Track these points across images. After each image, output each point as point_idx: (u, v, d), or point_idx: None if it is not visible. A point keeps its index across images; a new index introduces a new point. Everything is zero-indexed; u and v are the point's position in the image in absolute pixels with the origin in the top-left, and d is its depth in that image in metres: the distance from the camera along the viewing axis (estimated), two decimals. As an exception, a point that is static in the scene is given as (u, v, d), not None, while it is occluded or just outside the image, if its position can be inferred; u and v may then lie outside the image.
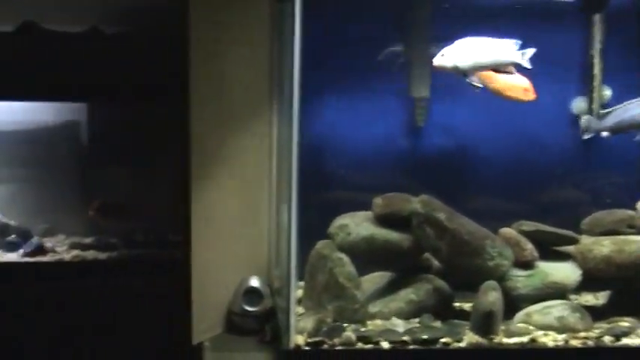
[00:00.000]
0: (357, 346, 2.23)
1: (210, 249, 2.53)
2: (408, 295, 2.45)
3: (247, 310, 2.54)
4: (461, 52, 2.31)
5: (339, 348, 2.22)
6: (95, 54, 2.72)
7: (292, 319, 2.20)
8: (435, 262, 2.53)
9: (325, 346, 2.22)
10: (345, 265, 2.39)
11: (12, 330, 2.60)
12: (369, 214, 2.51)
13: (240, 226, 2.59)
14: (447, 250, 2.39)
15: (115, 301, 2.62)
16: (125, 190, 2.91)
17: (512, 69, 2.32)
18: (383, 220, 2.46)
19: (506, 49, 2.29)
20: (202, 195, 2.48)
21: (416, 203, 2.43)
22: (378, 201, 2.49)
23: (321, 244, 2.47)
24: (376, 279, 2.57)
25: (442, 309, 2.45)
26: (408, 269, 2.52)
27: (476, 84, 2.34)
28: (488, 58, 2.31)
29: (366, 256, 2.44)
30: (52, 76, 2.67)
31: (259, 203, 2.59)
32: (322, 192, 2.65)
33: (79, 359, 2.64)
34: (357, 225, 2.46)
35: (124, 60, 2.68)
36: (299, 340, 2.23)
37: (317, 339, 2.24)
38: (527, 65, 2.28)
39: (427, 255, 2.52)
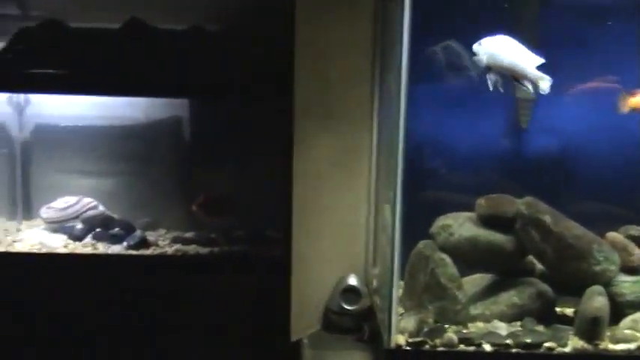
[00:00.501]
0: (458, 348, 2.24)
1: (310, 247, 2.59)
2: (510, 298, 2.45)
3: (345, 309, 2.57)
4: (491, 47, 2.31)
5: (441, 349, 2.24)
6: (198, 51, 2.75)
7: (394, 319, 2.23)
8: (539, 265, 2.52)
9: (426, 347, 2.25)
10: (448, 265, 2.41)
11: (114, 320, 2.66)
12: (471, 214, 2.51)
13: (338, 225, 2.63)
14: (552, 254, 2.38)
15: (215, 296, 2.66)
16: (226, 186, 2.93)
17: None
18: (486, 222, 2.47)
19: (530, 63, 2.29)
20: (303, 193, 2.54)
21: (520, 205, 2.43)
22: (481, 202, 2.50)
23: (422, 244, 2.49)
24: (477, 281, 2.57)
25: (545, 313, 2.44)
26: (509, 272, 2.52)
27: (491, 82, 2.33)
28: (509, 63, 2.31)
29: (469, 257, 2.45)
30: (156, 73, 2.72)
31: (358, 202, 2.62)
32: (423, 191, 2.66)
33: (176, 353, 2.68)
34: (460, 226, 2.47)
35: (226, 58, 2.71)
36: (400, 339, 2.25)
37: (418, 339, 2.27)
38: (544, 88, 2.29)
39: (530, 258, 2.51)
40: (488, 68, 2.30)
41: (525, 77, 2.30)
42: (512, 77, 2.32)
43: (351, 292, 2.56)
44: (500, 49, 2.30)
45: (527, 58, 2.30)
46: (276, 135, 2.55)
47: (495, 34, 2.31)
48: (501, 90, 2.32)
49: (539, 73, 2.29)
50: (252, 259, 2.71)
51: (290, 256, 2.52)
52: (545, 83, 2.29)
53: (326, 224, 2.58)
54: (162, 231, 2.97)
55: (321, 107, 2.52)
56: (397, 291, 2.25)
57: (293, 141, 2.43)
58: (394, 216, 2.19)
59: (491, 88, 2.31)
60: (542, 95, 2.39)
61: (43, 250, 2.75)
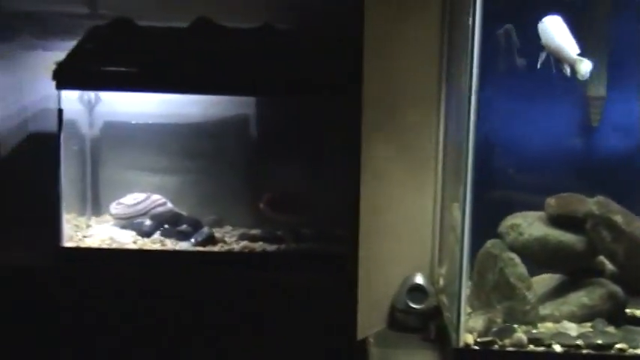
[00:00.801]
0: (528, 349, 2.23)
1: (377, 244, 2.58)
2: (579, 298, 2.43)
3: (411, 308, 2.56)
4: (545, 26, 2.32)
5: (510, 349, 2.23)
6: (266, 50, 2.81)
7: (462, 318, 2.23)
8: (609, 266, 2.49)
9: (495, 347, 2.23)
10: (517, 265, 2.39)
11: (182, 315, 2.71)
12: (541, 214, 2.49)
13: (405, 223, 2.61)
14: (624, 254, 2.35)
15: (281, 293, 2.68)
16: (293, 183, 2.96)
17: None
18: (556, 221, 2.44)
19: (571, 47, 2.30)
20: (370, 190, 2.54)
21: (591, 204, 2.40)
22: (551, 201, 2.47)
23: (490, 244, 2.46)
24: (545, 280, 2.55)
25: (615, 314, 2.41)
26: (579, 272, 2.50)
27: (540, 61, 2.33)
28: (555, 43, 2.31)
29: (538, 257, 2.43)
30: (223, 71, 2.78)
31: (424, 200, 2.61)
32: (491, 190, 2.62)
33: (241, 350, 2.72)
34: (530, 225, 2.45)
35: (294, 56, 2.77)
36: (468, 339, 2.24)
37: (487, 339, 2.25)
38: (582, 73, 2.30)
39: (601, 258, 2.49)
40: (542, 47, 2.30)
41: (566, 59, 2.31)
42: (556, 59, 2.33)
43: (417, 291, 2.56)
44: (551, 30, 2.31)
45: (570, 44, 2.30)
46: (344, 133, 2.58)
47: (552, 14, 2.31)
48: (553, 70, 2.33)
49: (580, 58, 2.30)
50: (318, 257, 2.75)
51: (357, 254, 2.52)
52: (585, 66, 2.30)
53: (392, 222, 2.56)
54: (228, 228, 3.00)
55: (387, 105, 2.50)
56: (466, 290, 2.25)
57: (361, 139, 2.45)
58: (463, 214, 2.19)
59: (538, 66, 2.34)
60: (614, 93, 2.43)
61: (113, 246, 2.81)
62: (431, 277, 2.64)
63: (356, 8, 2.38)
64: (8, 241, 2.82)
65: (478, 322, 2.30)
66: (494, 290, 2.42)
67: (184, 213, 2.98)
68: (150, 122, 3.01)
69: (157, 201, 2.97)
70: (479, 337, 2.25)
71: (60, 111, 2.72)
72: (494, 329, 2.30)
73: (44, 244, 2.74)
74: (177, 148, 3.02)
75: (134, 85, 2.74)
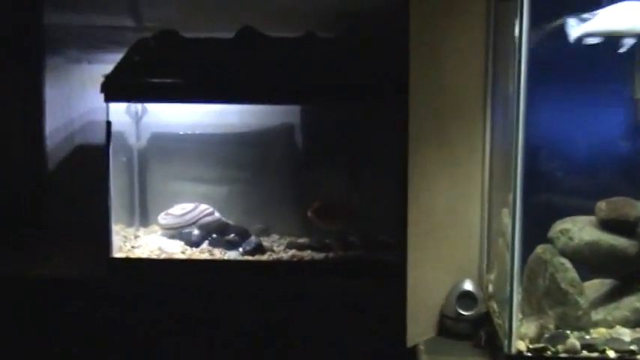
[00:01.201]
0: (581, 354, 2.23)
1: (424, 251, 2.56)
2: (633, 303, 2.42)
3: (461, 314, 2.56)
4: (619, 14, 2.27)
5: (563, 355, 2.23)
6: (310, 58, 2.85)
7: (514, 324, 2.23)
8: (662, 270, 2.45)
9: (548, 353, 2.23)
10: (568, 270, 2.39)
11: (232, 324, 2.72)
12: (591, 218, 2.48)
13: (452, 229, 2.61)
14: (677, 258, 2.31)
15: (330, 301, 2.71)
16: (340, 191, 3.00)
17: None
18: (607, 225, 2.43)
19: None
20: (418, 196, 2.54)
21: (643, 208, 2.36)
22: (601, 205, 2.46)
23: (541, 249, 2.46)
24: (596, 286, 2.54)
25: (670, 320, 2.36)
26: (631, 276, 2.49)
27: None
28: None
29: (589, 261, 2.42)
30: (268, 80, 2.81)
31: (472, 205, 2.60)
32: (540, 195, 2.63)
33: (291, 357, 2.75)
34: (580, 230, 2.44)
35: (338, 63, 2.81)
36: (520, 345, 2.24)
37: (539, 345, 2.25)
38: None
39: (654, 262, 2.44)
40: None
41: None
42: None
43: (466, 298, 2.56)
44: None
45: None
46: (390, 140, 2.60)
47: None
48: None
49: None
50: (367, 265, 2.77)
51: (405, 261, 2.48)
52: None
53: (441, 228, 2.55)
54: (275, 237, 3.04)
55: (434, 111, 2.48)
56: (517, 296, 2.25)
57: (409, 146, 2.46)
58: (514, 220, 2.19)
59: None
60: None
61: (162, 256, 2.84)
62: (480, 284, 2.64)
63: (401, 16, 2.42)
64: (59, 254, 2.88)
65: (530, 328, 2.29)
66: (546, 296, 2.41)
67: (232, 222, 3.01)
68: (196, 132, 3.06)
69: (205, 211, 2.99)
70: (531, 343, 2.25)
71: (108, 123, 2.74)
72: (547, 335, 2.29)
73: (94, 256, 2.78)
74: (223, 158, 3.06)
75: (180, 95, 2.77)
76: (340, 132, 2.96)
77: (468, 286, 2.58)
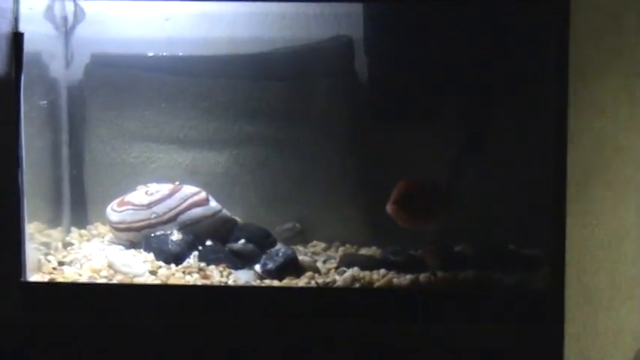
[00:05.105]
0: None
1: (596, 276, 2.25)
2: None
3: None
4: None
5: None
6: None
7: None
8: None
9: None
10: None
11: None
12: None
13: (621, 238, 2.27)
14: None
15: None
16: (437, 163, 2.55)
17: None
18: None
19: None
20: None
21: None
22: None
23: None
24: None
25: None
26: None
27: None
28: None
29: None
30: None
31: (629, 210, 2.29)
32: None
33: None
34: None
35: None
36: None
37: None
38: None
39: None
40: None
41: None
42: None
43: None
44: None
45: None
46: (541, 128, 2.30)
47: None
48: None
49: None
50: (491, 295, 2.31)
51: (560, 290, 2.19)
52: None
53: (603, 238, 2.25)
54: (320, 244, 2.63)
55: (587, 103, 2.24)
56: None
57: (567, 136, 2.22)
58: None
59: None
60: None
61: (114, 281, 2.38)
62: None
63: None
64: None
65: None
66: None
67: (239, 218, 2.63)
68: (173, 54, 2.63)
69: (191, 197, 2.56)
70: None
71: (17, 37, 2.32)
72: None
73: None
74: (222, 101, 2.63)
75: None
76: (442, 50, 2.55)
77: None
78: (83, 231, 2.72)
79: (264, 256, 2.45)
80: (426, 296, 2.37)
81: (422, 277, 2.41)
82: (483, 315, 2.33)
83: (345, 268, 2.44)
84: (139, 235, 2.57)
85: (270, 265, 2.41)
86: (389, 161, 2.66)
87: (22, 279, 2.36)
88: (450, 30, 2.63)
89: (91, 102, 2.70)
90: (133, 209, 2.59)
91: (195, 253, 2.50)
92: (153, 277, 2.44)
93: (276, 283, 2.41)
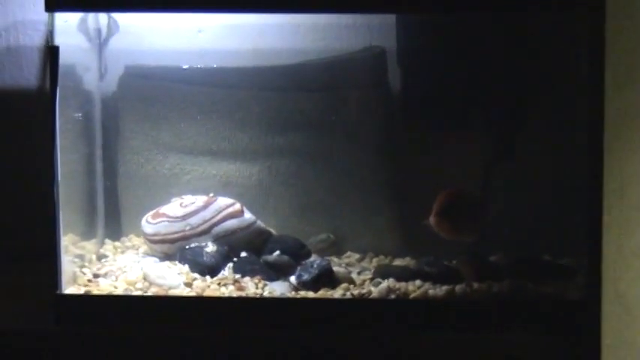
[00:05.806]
0: None
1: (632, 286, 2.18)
2: None
3: None
4: None
5: None
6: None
7: None
8: None
9: None
10: None
11: None
12: None
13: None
14: None
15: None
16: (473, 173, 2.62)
17: None
18: None
19: None
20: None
21: None
22: None
23: None
24: None
25: None
26: None
27: None
28: None
29: None
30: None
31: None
32: None
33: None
34: None
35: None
36: None
37: None
38: None
39: None
40: None
41: None
42: None
43: None
44: None
45: None
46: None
47: None
48: None
49: None
50: (527, 307, 2.30)
51: (597, 302, 2.13)
52: None
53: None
54: (354, 255, 2.64)
55: (623, 112, 2.17)
56: None
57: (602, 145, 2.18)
58: None
59: None
60: None
61: (150, 292, 2.39)
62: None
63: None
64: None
65: None
66: None
67: (273, 230, 2.64)
68: (206, 66, 2.66)
69: (226, 209, 2.56)
70: None
71: (53, 50, 2.31)
72: None
73: (32, 293, 2.49)
74: (256, 113, 2.65)
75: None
76: (475, 60, 2.58)
77: None
78: (117, 243, 2.74)
79: (299, 268, 2.47)
80: (462, 307, 2.38)
81: (457, 288, 2.42)
82: (519, 326, 2.33)
83: (380, 280, 2.46)
84: (174, 247, 2.59)
85: (306, 277, 2.42)
86: (421, 172, 2.68)
87: (58, 291, 2.38)
88: (484, 40, 2.66)
89: (125, 114, 2.73)
90: (168, 221, 2.60)
91: (230, 264, 2.53)
92: (188, 289, 2.46)
93: (311, 294, 2.41)
